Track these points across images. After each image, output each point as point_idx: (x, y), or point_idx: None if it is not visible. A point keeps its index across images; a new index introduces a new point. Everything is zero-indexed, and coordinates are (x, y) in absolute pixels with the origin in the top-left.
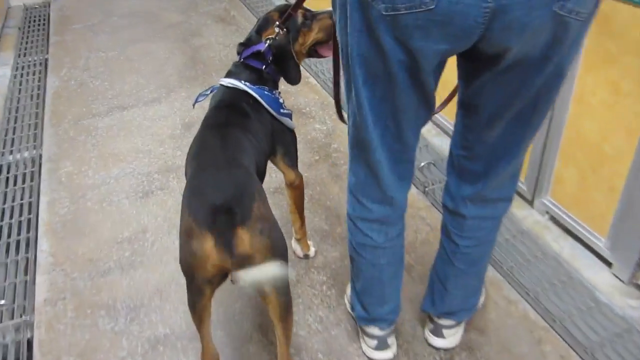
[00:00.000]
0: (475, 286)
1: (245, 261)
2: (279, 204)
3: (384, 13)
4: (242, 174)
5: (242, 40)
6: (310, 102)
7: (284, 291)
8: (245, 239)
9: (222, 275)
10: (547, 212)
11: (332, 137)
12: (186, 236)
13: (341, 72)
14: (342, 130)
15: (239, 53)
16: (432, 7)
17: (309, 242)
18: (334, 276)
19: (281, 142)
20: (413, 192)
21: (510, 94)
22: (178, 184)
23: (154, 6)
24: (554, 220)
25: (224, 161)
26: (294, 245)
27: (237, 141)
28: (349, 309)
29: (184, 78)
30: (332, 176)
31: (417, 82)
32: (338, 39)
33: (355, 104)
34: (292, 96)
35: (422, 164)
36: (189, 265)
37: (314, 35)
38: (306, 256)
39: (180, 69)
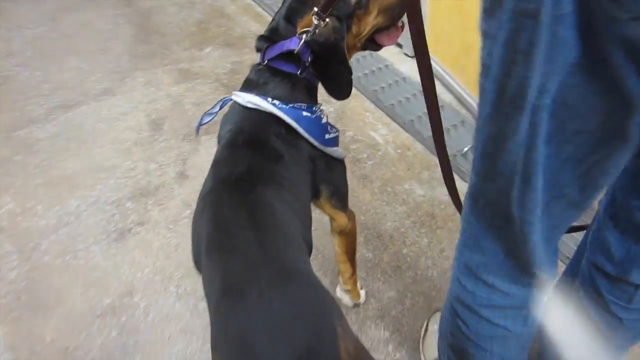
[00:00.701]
0: None
1: None
2: None
3: None
4: (306, 293)
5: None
6: None
7: None
8: None
9: None
10: None
11: (343, 121)
12: None
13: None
14: (354, 111)
15: (259, 50)
16: None
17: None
18: (398, 327)
19: (326, 180)
20: (464, 188)
21: None
22: (161, 213)
23: None
24: None
25: (269, 270)
26: (339, 294)
27: (273, 215)
28: None
29: (138, 56)
30: (358, 178)
31: None
32: (493, 66)
33: (512, 165)
34: None
35: (465, 148)
36: None
37: (372, 20)
38: (356, 305)
39: (130, 44)
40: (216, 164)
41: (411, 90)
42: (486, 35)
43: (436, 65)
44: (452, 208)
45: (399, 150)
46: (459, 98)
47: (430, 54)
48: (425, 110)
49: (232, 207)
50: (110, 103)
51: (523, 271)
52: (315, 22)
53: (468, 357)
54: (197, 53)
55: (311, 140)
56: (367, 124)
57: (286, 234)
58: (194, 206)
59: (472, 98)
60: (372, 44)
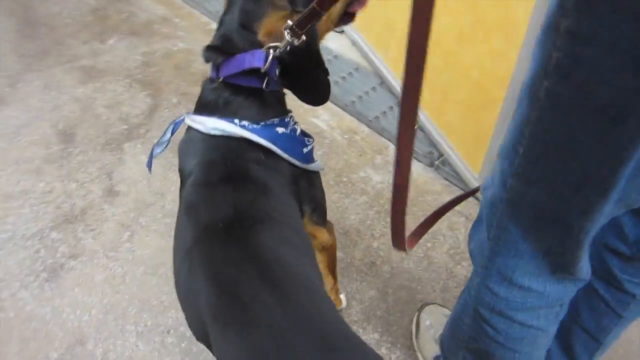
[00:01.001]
0: None
1: None
2: None
3: None
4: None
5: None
6: None
7: None
8: None
9: None
10: None
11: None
12: None
13: None
14: (289, 97)
15: (208, 61)
16: None
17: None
18: (387, 328)
19: (308, 196)
20: (419, 170)
21: None
22: (95, 240)
23: None
24: None
25: (306, 341)
26: None
27: (284, 265)
28: None
29: (28, 55)
30: None
31: None
32: (578, 69)
33: (585, 176)
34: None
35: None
36: None
37: None
38: (338, 311)
39: (15, 42)
40: (191, 208)
41: (346, 69)
42: (574, 33)
43: (361, 42)
44: (414, 192)
45: (347, 136)
46: (384, 80)
47: (355, 30)
48: (367, 90)
49: (232, 263)
50: (4, 115)
51: (560, 267)
52: (288, 38)
53: (492, 358)
54: (99, 46)
55: (292, 160)
56: (306, 111)
57: (307, 287)
58: (133, 227)
59: (395, 80)
60: (344, 17)
